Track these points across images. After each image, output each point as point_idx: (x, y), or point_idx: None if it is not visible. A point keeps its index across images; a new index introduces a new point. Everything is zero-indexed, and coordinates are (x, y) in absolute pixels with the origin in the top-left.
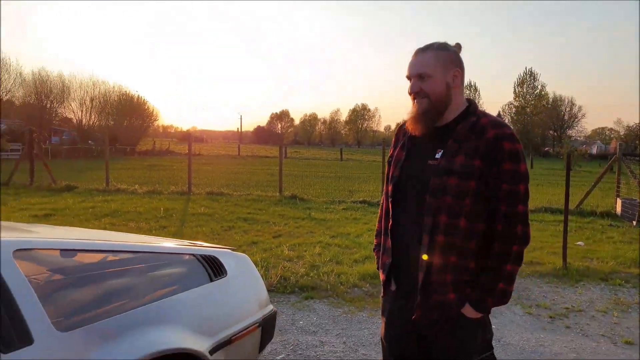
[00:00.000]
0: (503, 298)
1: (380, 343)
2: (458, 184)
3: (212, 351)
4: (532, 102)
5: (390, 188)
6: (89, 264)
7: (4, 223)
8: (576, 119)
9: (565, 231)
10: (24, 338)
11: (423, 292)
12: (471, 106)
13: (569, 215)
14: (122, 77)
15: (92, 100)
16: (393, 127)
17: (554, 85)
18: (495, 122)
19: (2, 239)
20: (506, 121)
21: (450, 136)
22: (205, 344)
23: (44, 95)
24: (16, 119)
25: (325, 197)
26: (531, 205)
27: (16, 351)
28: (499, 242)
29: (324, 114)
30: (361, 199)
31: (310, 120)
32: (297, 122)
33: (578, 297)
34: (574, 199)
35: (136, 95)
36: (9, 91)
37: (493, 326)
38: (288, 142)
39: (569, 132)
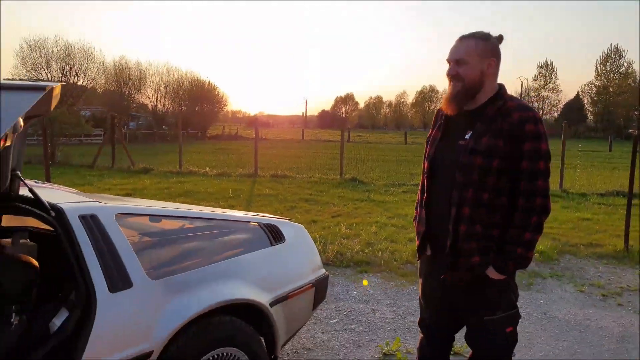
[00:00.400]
0: (522, 262)
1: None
2: (482, 162)
3: (272, 304)
4: (616, 81)
5: (426, 165)
6: (172, 228)
7: (104, 195)
8: None
9: (629, 212)
10: (126, 283)
11: (452, 256)
12: (501, 90)
13: None
14: (194, 64)
15: (166, 86)
16: None
17: None
18: (520, 106)
19: (105, 204)
20: (585, 102)
21: (479, 119)
22: (266, 297)
23: (123, 83)
24: (99, 106)
25: (385, 180)
26: (602, 189)
27: (121, 292)
28: (520, 213)
29: (389, 96)
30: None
31: (375, 104)
32: (361, 105)
33: (635, 278)
34: None
35: (207, 82)
36: (93, 79)
37: (542, 301)
38: (352, 126)
39: None
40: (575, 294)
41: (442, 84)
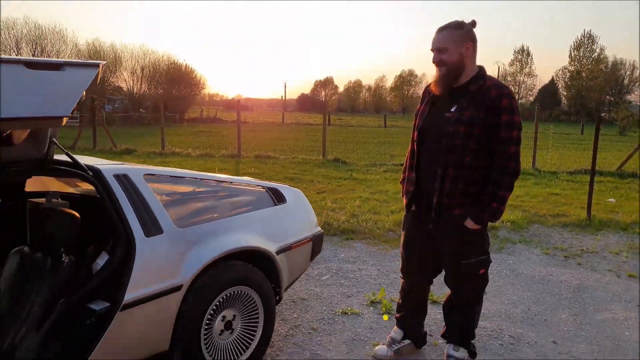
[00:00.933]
0: (495, 214)
1: (400, 256)
2: (465, 130)
3: (277, 253)
4: (589, 67)
5: (416, 134)
6: (190, 188)
7: (131, 161)
8: (637, 84)
9: (592, 186)
10: (157, 229)
11: (437, 210)
12: (480, 71)
13: (610, 176)
14: (170, 47)
15: (142, 69)
16: None
17: (614, 49)
18: (497, 84)
19: (134, 166)
20: (560, 86)
21: (463, 95)
22: (272, 247)
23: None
24: None
25: (367, 160)
26: (572, 167)
27: (154, 236)
28: (495, 173)
29: (368, 80)
30: (402, 161)
31: (355, 87)
32: (341, 89)
33: (595, 242)
34: (618, 162)
35: (184, 64)
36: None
37: (510, 262)
38: (332, 109)
39: (628, 97)
40: (540, 256)
41: (421, 69)
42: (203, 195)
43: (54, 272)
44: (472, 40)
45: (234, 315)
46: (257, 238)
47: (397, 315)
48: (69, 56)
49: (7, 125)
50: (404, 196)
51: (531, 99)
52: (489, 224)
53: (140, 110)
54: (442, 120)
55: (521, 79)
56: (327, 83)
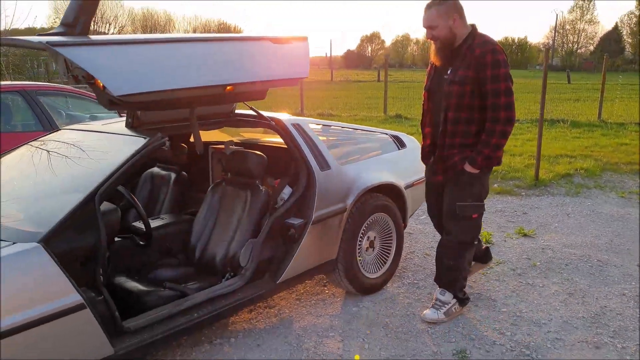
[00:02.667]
0: (488, 160)
1: None
2: (458, 89)
3: (405, 188)
4: None
5: (425, 94)
6: (337, 136)
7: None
8: None
9: None
10: (327, 165)
11: (441, 160)
12: (471, 32)
13: None
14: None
15: (194, 30)
16: None
17: None
18: (482, 42)
19: (299, 117)
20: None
21: (456, 57)
22: (402, 183)
23: (152, 29)
24: None
25: None
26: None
27: (325, 171)
28: (489, 123)
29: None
30: None
31: (402, 42)
32: (387, 44)
33: None
34: None
35: (234, 26)
36: (123, 27)
37: (589, 203)
38: (378, 65)
39: None
40: (616, 199)
41: (470, 19)
42: (347, 140)
43: (254, 199)
44: (457, 10)
45: (375, 237)
46: (391, 176)
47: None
48: (126, 21)
49: (265, 85)
50: (424, 142)
51: (591, 48)
52: (554, 176)
53: None
54: (442, 82)
55: (581, 26)
56: (373, 38)
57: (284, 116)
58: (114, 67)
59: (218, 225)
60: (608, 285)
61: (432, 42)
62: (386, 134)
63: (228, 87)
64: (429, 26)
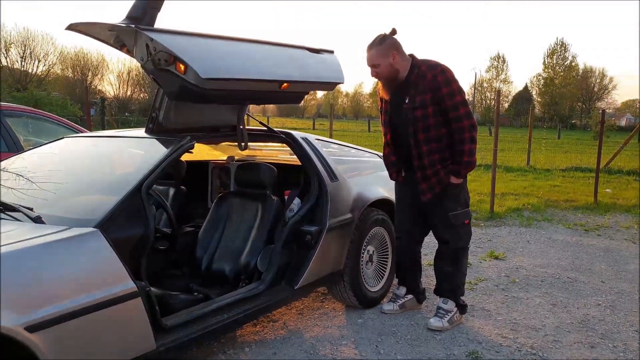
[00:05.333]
0: (469, 166)
1: None
2: (421, 112)
3: None
4: (562, 74)
5: (387, 129)
6: (337, 150)
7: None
8: (606, 91)
9: (597, 174)
10: (335, 177)
11: (423, 179)
12: (413, 60)
13: (599, 172)
14: None
15: (129, 72)
16: None
17: (585, 55)
18: (430, 66)
19: (306, 134)
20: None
21: (408, 87)
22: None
23: (85, 68)
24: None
25: None
26: (563, 165)
27: (334, 182)
28: (456, 134)
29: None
30: None
31: (334, 93)
32: (319, 95)
33: (606, 220)
34: (602, 160)
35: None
36: (54, 65)
37: (543, 232)
38: (310, 115)
39: (598, 104)
40: (565, 229)
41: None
42: (346, 156)
43: (266, 208)
44: (396, 47)
45: (373, 251)
46: (386, 192)
47: (397, 273)
48: (58, 59)
49: (312, 86)
50: (391, 168)
51: (506, 105)
52: (506, 210)
53: (126, 114)
54: (402, 112)
55: (497, 85)
56: None
57: (291, 131)
58: (199, 53)
59: (225, 236)
60: (583, 298)
61: (378, 79)
62: (375, 154)
63: (284, 85)
64: (372, 65)
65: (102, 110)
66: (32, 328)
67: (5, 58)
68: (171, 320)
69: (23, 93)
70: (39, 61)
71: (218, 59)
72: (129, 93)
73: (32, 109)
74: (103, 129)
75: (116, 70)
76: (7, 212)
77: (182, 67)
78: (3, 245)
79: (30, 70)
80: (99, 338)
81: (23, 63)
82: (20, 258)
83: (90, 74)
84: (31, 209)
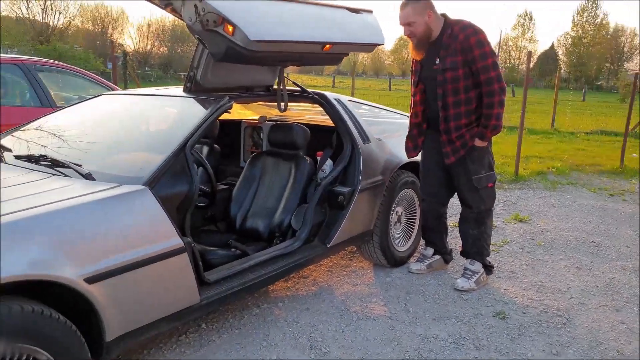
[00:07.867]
0: (495, 129)
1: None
2: (452, 74)
3: None
4: (591, 32)
5: (415, 88)
6: (368, 112)
7: None
8: (637, 51)
9: (625, 138)
10: (367, 139)
11: (449, 142)
12: (446, 20)
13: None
14: None
15: (149, 25)
16: None
17: (616, 14)
18: (462, 27)
19: (339, 95)
20: (560, 53)
21: (439, 47)
22: None
23: (105, 21)
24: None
25: None
26: (588, 128)
27: (367, 144)
28: (486, 97)
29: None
30: None
31: None
32: None
33: (632, 185)
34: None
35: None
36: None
37: (567, 196)
38: (330, 72)
39: (627, 65)
40: (590, 193)
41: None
42: (377, 118)
43: (299, 169)
44: (431, 7)
45: (402, 212)
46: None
47: (424, 235)
48: (78, 11)
49: (347, 48)
50: (413, 130)
51: (531, 65)
52: (530, 173)
53: (146, 68)
54: (432, 72)
55: (522, 44)
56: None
57: (324, 91)
58: (247, 15)
59: (259, 194)
60: (608, 262)
61: (409, 39)
62: (405, 115)
63: (326, 46)
64: (406, 23)
65: (125, 64)
66: (90, 280)
67: (27, 9)
68: (213, 275)
69: (47, 46)
70: (59, 13)
71: (265, 21)
72: (149, 47)
73: (62, 63)
74: (125, 83)
75: (136, 23)
76: (56, 168)
77: (230, 28)
78: (61, 201)
79: (51, 23)
80: (149, 291)
81: (44, 15)
82: (78, 214)
83: (110, 27)
84: (80, 166)
